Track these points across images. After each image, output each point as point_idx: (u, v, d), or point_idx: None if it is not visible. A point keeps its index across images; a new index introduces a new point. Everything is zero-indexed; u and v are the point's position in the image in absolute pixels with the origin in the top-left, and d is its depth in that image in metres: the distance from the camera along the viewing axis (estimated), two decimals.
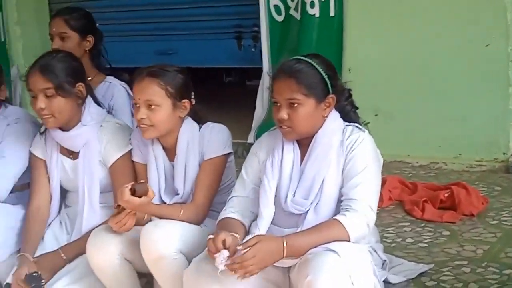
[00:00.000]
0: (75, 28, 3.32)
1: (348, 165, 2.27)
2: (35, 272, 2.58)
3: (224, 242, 2.12)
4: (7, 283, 2.66)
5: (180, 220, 2.51)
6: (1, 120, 2.99)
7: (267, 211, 2.35)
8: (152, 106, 2.54)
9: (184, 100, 2.60)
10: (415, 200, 3.44)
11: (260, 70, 4.19)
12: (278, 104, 2.29)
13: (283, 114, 2.27)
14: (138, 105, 2.57)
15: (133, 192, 2.36)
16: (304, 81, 2.25)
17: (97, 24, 3.50)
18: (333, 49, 3.66)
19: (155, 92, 2.54)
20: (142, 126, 2.57)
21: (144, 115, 2.54)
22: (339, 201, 2.28)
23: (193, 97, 2.66)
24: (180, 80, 2.60)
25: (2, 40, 5.26)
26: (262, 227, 2.33)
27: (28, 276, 2.56)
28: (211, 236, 2.19)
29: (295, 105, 2.25)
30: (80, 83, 2.74)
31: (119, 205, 2.40)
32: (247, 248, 2.07)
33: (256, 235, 2.18)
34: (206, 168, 2.62)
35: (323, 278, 2.00)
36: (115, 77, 3.45)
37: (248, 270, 2.06)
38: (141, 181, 2.52)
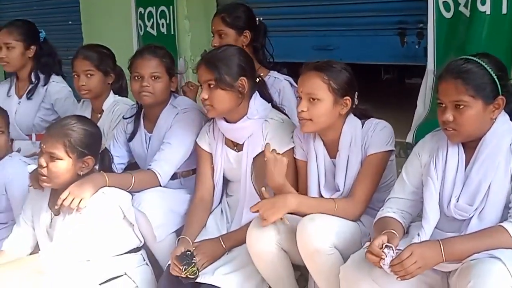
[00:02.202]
0: (231, 25, 3.45)
1: None
2: (188, 250, 2.69)
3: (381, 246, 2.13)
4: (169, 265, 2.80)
5: (336, 215, 2.53)
6: (171, 109, 3.18)
7: (433, 215, 2.31)
8: (314, 100, 2.58)
9: (346, 97, 2.61)
10: None
11: (421, 67, 4.08)
12: (443, 105, 2.24)
13: (448, 116, 2.22)
14: (300, 98, 2.63)
15: None
16: (472, 82, 2.19)
17: (261, 19, 3.60)
18: (504, 48, 3.46)
19: (318, 85, 2.58)
20: (301, 119, 2.62)
21: (305, 107, 2.59)
22: (506, 208, 2.20)
23: (356, 96, 2.67)
24: (344, 77, 2.61)
25: (172, 33, 5.51)
26: (427, 230, 2.29)
27: (181, 254, 2.68)
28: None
29: (461, 107, 2.20)
30: (242, 78, 2.81)
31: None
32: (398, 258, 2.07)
33: (411, 244, 2.15)
34: (368, 164, 2.62)
35: (487, 284, 1.95)
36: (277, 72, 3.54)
37: (408, 271, 2.05)
38: None
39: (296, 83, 2.91)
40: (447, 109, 2.23)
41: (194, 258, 2.67)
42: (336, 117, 2.63)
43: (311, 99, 2.58)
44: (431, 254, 2.08)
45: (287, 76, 3.50)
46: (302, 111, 2.59)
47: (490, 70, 2.22)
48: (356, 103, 2.67)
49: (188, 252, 2.68)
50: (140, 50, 3.26)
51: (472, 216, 2.23)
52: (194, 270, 2.65)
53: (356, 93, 2.67)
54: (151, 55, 3.13)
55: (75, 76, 3.59)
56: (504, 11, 3.65)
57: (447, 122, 2.23)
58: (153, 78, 3.09)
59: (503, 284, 1.96)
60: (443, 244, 2.09)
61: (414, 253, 2.06)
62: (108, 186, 2.84)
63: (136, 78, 3.11)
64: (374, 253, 2.12)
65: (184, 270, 2.63)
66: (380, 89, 5.77)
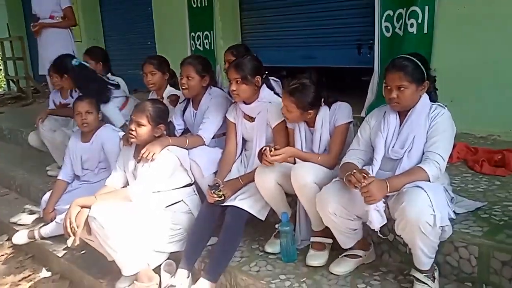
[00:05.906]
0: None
1: (432, 129, 2.15)
2: (217, 182, 2.70)
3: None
4: None
5: (318, 163, 2.48)
6: (208, 96, 3.12)
7: (379, 157, 2.26)
8: (288, 111, 2.55)
9: (310, 110, 2.53)
10: (476, 159, 3.10)
11: (371, 69, 4.01)
12: (389, 88, 2.18)
13: (394, 95, 2.17)
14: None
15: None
16: (409, 72, 2.14)
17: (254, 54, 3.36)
18: (426, 56, 3.38)
19: (288, 103, 2.51)
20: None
21: (287, 114, 2.57)
22: (424, 153, 2.16)
23: (324, 97, 2.57)
24: (308, 92, 2.50)
25: (212, 48, 5.47)
26: (374, 167, 2.25)
27: (212, 185, 2.70)
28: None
29: (402, 88, 2.14)
30: (258, 76, 2.75)
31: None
32: (366, 179, 2.02)
33: (371, 176, 2.09)
34: (337, 132, 2.55)
35: (414, 204, 1.94)
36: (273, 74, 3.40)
37: (371, 197, 2.02)
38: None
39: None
40: (393, 91, 2.18)
41: (220, 186, 2.66)
42: (305, 116, 2.55)
43: (287, 110, 2.56)
44: (383, 187, 2.05)
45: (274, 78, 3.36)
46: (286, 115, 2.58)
47: (420, 64, 2.18)
48: (323, 103, 2.57)
49: (216, 184, 2.68)
50: (185, 58, 3.16)
51: (403, 157, 2.19)
52: (220, 194, 2.64)
53: (325, 93, 2.56)
54: (187, 63, 3.06)
55: (144, 75, 3.55)
56: (425, 31, 3.55)
57: (393, 98, 2.18)
58: (188, 78, 3.03)
59: (425, 203, 1.94)
60: (388, 181, 2.06)
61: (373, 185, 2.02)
62: (171, 145, 2.81)
63: (181, 77, 3.09)
64: (356, 178, 2.06)
65: (213, 193, 2.63)
66: (345, 84, 5.64)
